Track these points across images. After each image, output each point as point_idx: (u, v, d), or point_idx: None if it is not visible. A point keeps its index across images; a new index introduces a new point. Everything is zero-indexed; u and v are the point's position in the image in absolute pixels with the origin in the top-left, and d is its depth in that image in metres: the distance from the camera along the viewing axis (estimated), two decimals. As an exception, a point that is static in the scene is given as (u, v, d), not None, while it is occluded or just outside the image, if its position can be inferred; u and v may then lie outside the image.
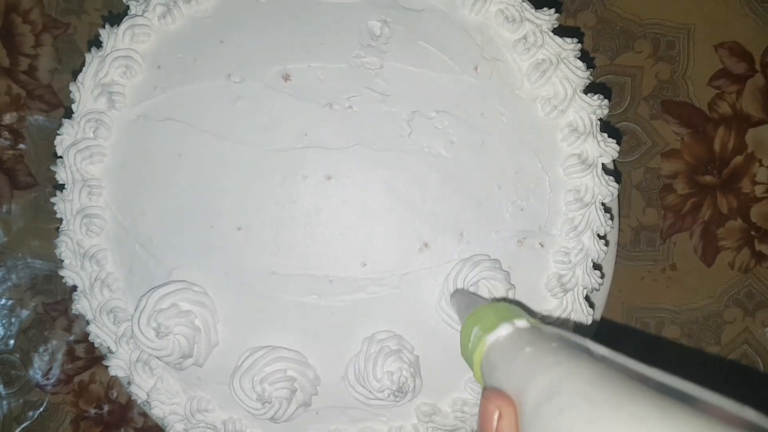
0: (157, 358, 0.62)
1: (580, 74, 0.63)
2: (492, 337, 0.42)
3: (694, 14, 0.95)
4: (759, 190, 0.95)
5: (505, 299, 0.63)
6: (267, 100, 0.64)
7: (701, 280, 0.94)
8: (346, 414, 0.65)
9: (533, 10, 0.64)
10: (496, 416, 0.35)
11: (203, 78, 0.65)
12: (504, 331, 0.42)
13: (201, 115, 0.64)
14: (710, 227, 0.95)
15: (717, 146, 0.95)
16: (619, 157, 0.93)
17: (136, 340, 0.61)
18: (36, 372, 0.98)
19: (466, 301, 0.55)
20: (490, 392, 0.36)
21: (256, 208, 0.64)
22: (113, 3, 0.69)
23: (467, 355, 0.46)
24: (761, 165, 0.95)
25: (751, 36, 0.95)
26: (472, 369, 0.45)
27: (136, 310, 0.62)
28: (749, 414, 0.27)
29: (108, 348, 0.67)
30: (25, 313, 0.98)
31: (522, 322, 0.42)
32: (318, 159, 0.64)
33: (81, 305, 0.67)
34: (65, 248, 0.66)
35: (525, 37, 0.63)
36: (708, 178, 0.95)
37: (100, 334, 0.66)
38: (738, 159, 0.95)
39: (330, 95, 0.64)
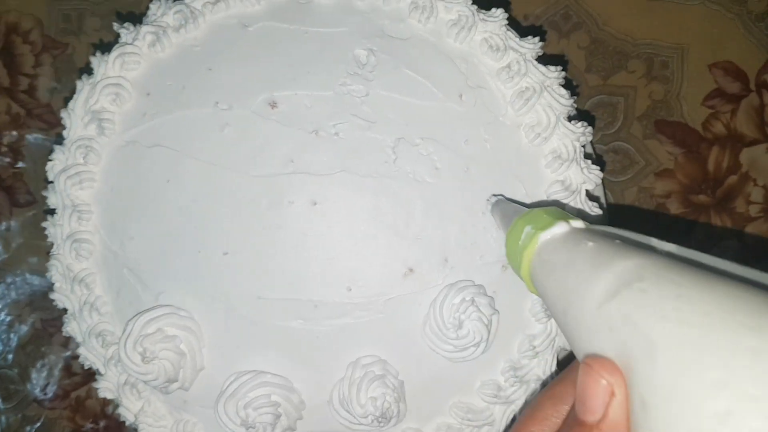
0: (144, 382, 0.63)
1: (564, 102, 0.64)
2: (546, 235, 0.41)
3: (688, 34, 0.95)
4: (753, 210, 0.95)
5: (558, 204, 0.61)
6: (254, 127, 0.65)
7: None
8: (332, 438, 0.66)
9: (517, 39, 0.65)
10: (606, 395, 0.29)
11: (191, 105, 0.66)
12: (560, 229, 0.41)
13: (189, 142, 0.65)
14: (704, 247, 0.95)
15: (711, 166, 0.95)
16: (612, 176, 0.94)
17: (123, 365, 0.62)
18: (34, 387, 0.99)
19: (513, 208, 0.53)
20: (597, 362, 0.29)
21: (243, 234, 0.64)
22: (111, 25, 0.70)
23: (515, 255, 0.44)
24: (756, 185, 0.95)
25: (745, 55, 0.95)
26: (519, 273, 0.44)
27: (122, 334, 0.63)
28: None
29: (97, 370, 0.68)
30: (23, 328, 0.99)
31: (578, 223, 0.41)
32: (304, 185, 0.64)
33: (71, 328, 0.68)
34: (56, 272, 0.67)
35: (509, 66, 0.64)
36: (702, 198, 0.95)
37: (90, 356, 0.67)
38: (732, 179, 0.95)
39: (316, 122, 0.65)
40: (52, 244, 0.69)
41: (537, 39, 0.66)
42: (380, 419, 0.61)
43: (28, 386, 0.98)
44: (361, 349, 0.64)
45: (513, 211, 0.52)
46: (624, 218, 0.93)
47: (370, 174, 0.64)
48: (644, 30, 0.95)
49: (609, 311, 0.30)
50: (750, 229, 0.94)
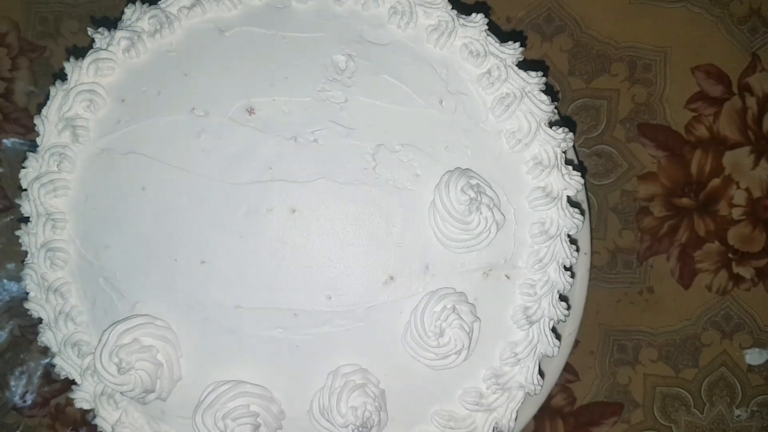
0: (120, 392, 0.62)
1: (544, 108, 0.63)
2: None
3: (671, 37, 0.95)
4: (736, 213, 0.95)
5: None
6: (231, 134, 0.64)
7: (678, 302, 0.94)
8: (312, 448, 0.65)
9: (498, 44, 0.65)
10: None
11: (167, 111, 0.65)
12: None
13: (164, 149, 0.64)
14: (687, 250, 0.94)
15: (694, 169, 0.95)
16: (595, 179, 0.94)
17: (99, 376, 0.61)
18: (13, 394, 0.97)
19: None
20: None
21: (220, 242, 0.64)
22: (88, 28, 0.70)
23: None
24: (738, 187, 0.95)
25: (728, 58, 0.95)
26: None
27: (98, 345, 0.62)
28: None
29: (73, 380, 0.67)
30: (1, 335, 0.97)
31: None
32: (282, 192, 0.64)
33: (46, 337, 0.67)
34: (30, 281, 0.66)
35: (489, 72, 0.64)
36: (685, 201, 0.95)
37: (66, 366, 0.66)
38: (715, 182, 0.95)
39: (295, 129, 0.64)
40: (27, 252, 0.68)
41: (518, 44, 0.65)
42: (361, 429, 0.61)
43: (7, 394, 0.96)
44: (342, 357, 0.63)
45: None
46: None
47: (349, 181, 0.64)
48: (627, 33, 0.95)
49: None
50: (733, 231, 0.94)
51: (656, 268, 0.94)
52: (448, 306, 0.62)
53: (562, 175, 0.63)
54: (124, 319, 0.63)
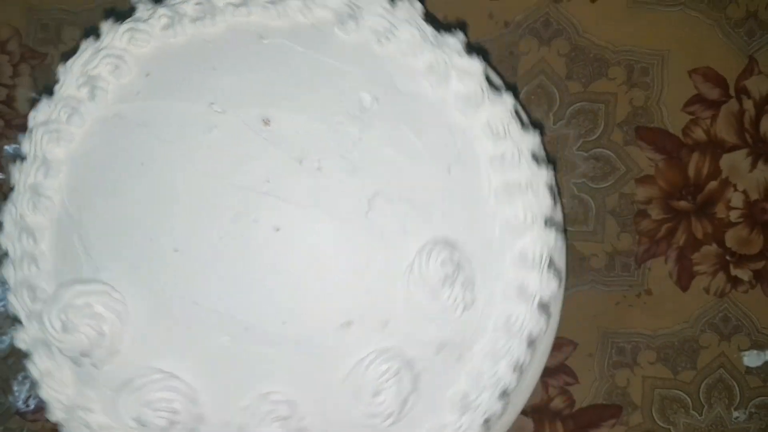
0: (58, 348, 0.63)
1: (544, 206, 0.63)
2: None
3: (668, 40, 0.95)
4: (734, 215, 0.94)
5: None
6: (240, 138, 0.64)
7: (676, 304, 0.94)
8: (222, 459, 0.65)
9: (519, 128, 0.64)
10: None
11: (186, 98, 0.65)
12: None
13: (173, 133, 0.65)
14: (685, 252, 0.94)
15: (691, 172, 0.94)
16: (592, 183, 0.94)
17: (43, 327, 0.62)
18: (16, 399, 0.95)
19: None
20: None
21: (199, 236, 0.64)
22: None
23: None
24: (736, 190, 0.94)
25: (725, 61, 0.95)
26: None
27: (52, 297, 0.63)
28: None
29: (18, 320, 0.68)
30: (4, 340, 0.95)
31: None
32: (272, 208, 0.64)
33: (6, 271, 0.68)
34: (8, 216, 0.67)
35: (503, 155, 0.63)
36: (683, 204, 0.94)
37: (16, 305, 0.67)
38: (713, 184, 0.94)
39: (303, 151, 0.64)
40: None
41: (537, 131, 0.65)
42: (270, 459, 0.61)
43: (10, 398, 0.95)
44: (276, 384, 0.63)
45: None
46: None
47: (339, 217, 0.64)
48: (624, 37, 0.95)
49: None
50: (730, 234, 0.94)
51: (654, 271, 0.94)
52: (393, 368, 0.61)
53: (541, 279, 0.62)
54: (84, 281, 0.63)
